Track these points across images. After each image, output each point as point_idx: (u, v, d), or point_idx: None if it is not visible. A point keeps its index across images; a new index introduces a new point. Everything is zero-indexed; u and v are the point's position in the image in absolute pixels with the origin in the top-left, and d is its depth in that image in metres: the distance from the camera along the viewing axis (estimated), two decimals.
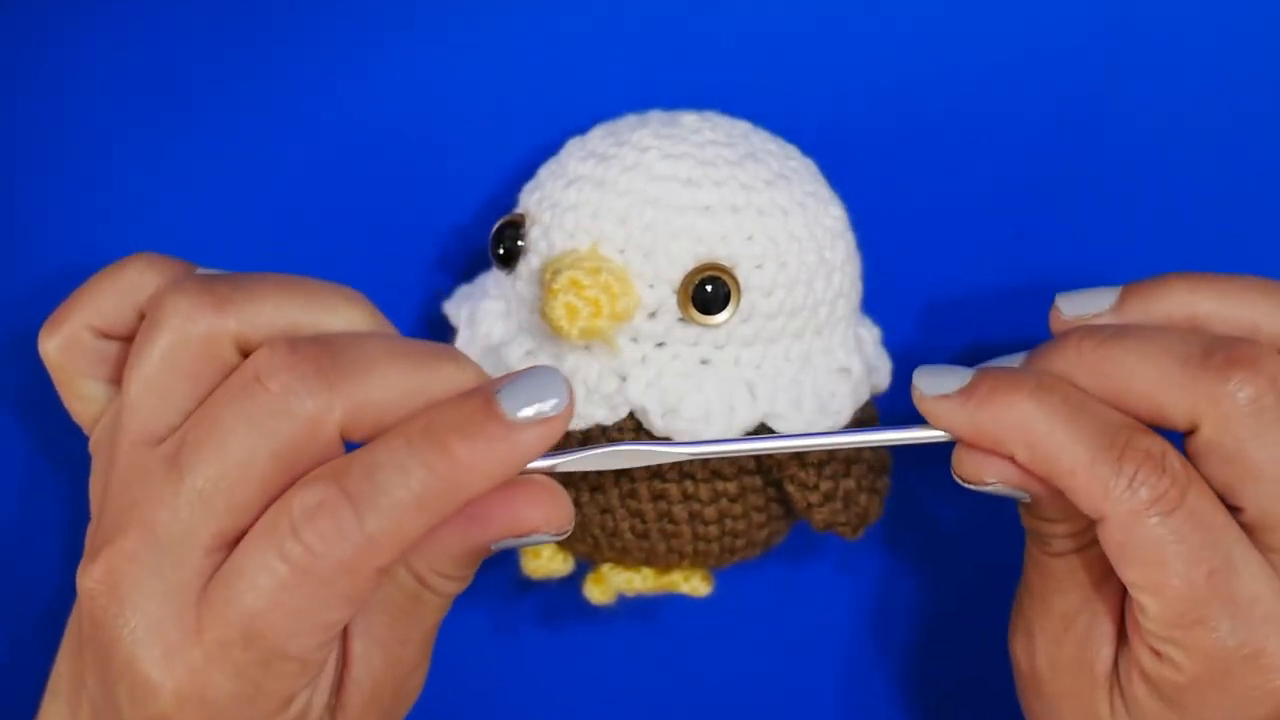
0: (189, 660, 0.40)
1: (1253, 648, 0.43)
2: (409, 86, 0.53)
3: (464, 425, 0.40)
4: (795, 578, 0.58)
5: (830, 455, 0.49)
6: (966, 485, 0.45)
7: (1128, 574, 0.43)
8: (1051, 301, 0.48)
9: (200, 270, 0.45)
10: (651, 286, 0.47)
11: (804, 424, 0.48)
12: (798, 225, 0.48)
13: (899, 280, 0.54)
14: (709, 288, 0.47)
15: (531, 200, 0.49)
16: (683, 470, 0.48)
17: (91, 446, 0.45)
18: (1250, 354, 0.43)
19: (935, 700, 0.59)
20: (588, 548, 0.51)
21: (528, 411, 0.41)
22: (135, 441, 0.42)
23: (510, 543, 0.43)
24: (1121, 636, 0.46)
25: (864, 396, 0.50)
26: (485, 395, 0.41)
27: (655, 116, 0.50)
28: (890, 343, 0.52)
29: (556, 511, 0.43)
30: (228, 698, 0.40)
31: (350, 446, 0.42)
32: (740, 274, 0.47)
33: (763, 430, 0.48)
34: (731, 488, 0.49)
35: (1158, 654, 0.44)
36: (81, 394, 0.46)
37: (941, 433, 0.45)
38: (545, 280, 0.47)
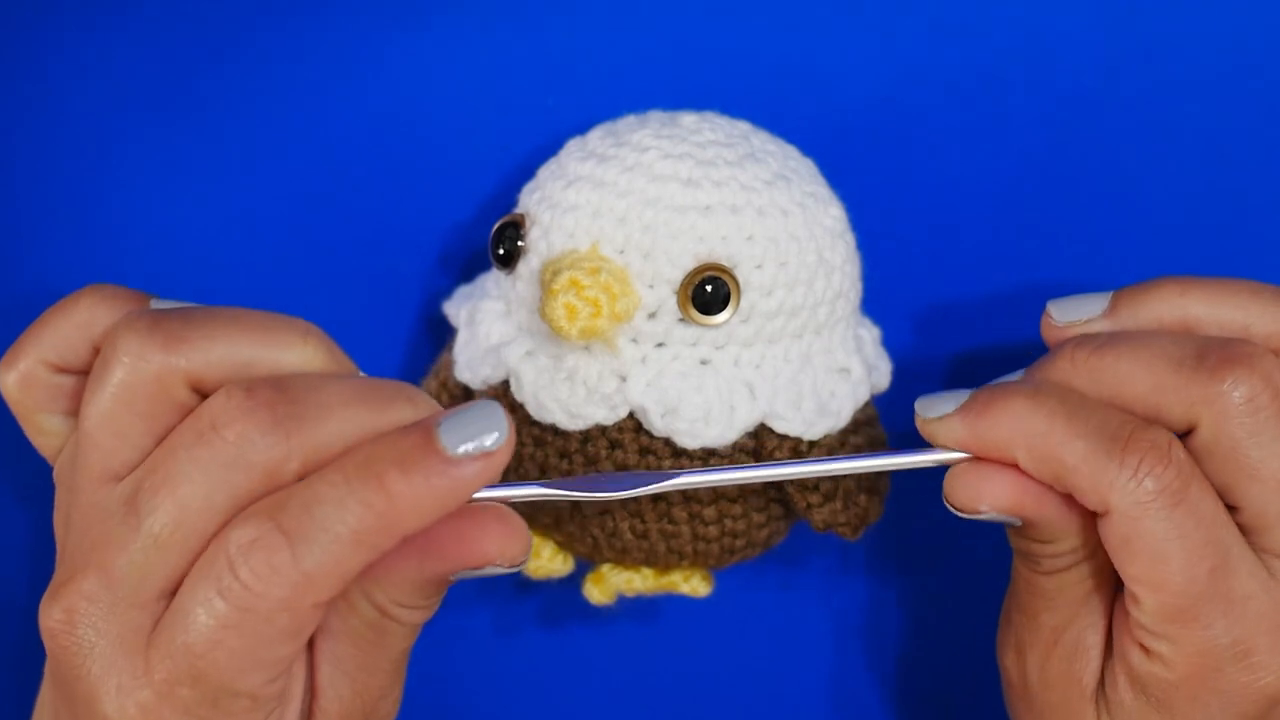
0: (140, 700, 0.40)
1: (1244, 646, 0.43)
2: (409, 86, 0.53)
3: (402, 460, 0.40)
4: (795, 578, 0.58)
5: (830, 456, 0.49)
6: (959, 514, 0.45)
7: (1129, 568, 0.43)
8: (1045, 306, 0.48)
9: (154, 303, 0.45)
10: (651, 287, 0.47)
11: (804, 424, 0.48)
12: (798, 225, 0.48)
13: (899, 280, 0.54)
14: (709, 288, 0.47)
15: (531, 200, 0.49)
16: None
17: (55, 477, 0.45)
18: (1244, 353, 0.43)
19: (936, 699, 0.59)
20: (588, 548, 0.51)
21: (468, 446, 0.40)
22: (93, 479, 0.42)
23: (466, 574, 0.43)
24: (1108, 650, 0.46)
25: (864, 397, 0.50)
26: (425, 429, 0.40)
27: (655, 117, 0.50)
28: (890, 343, 0.52)
29: (510, 543, 0.43)
30: None
31: None
32: (740, 274, 0.47)
33: (762, 430, 0.48)
34: (731, 488, 0.49)
35: (1148, 652, 0.44)
36: (41, 428, 0.46)
37: (948, 453, 0.45)
38: (545, 281, 0.47)
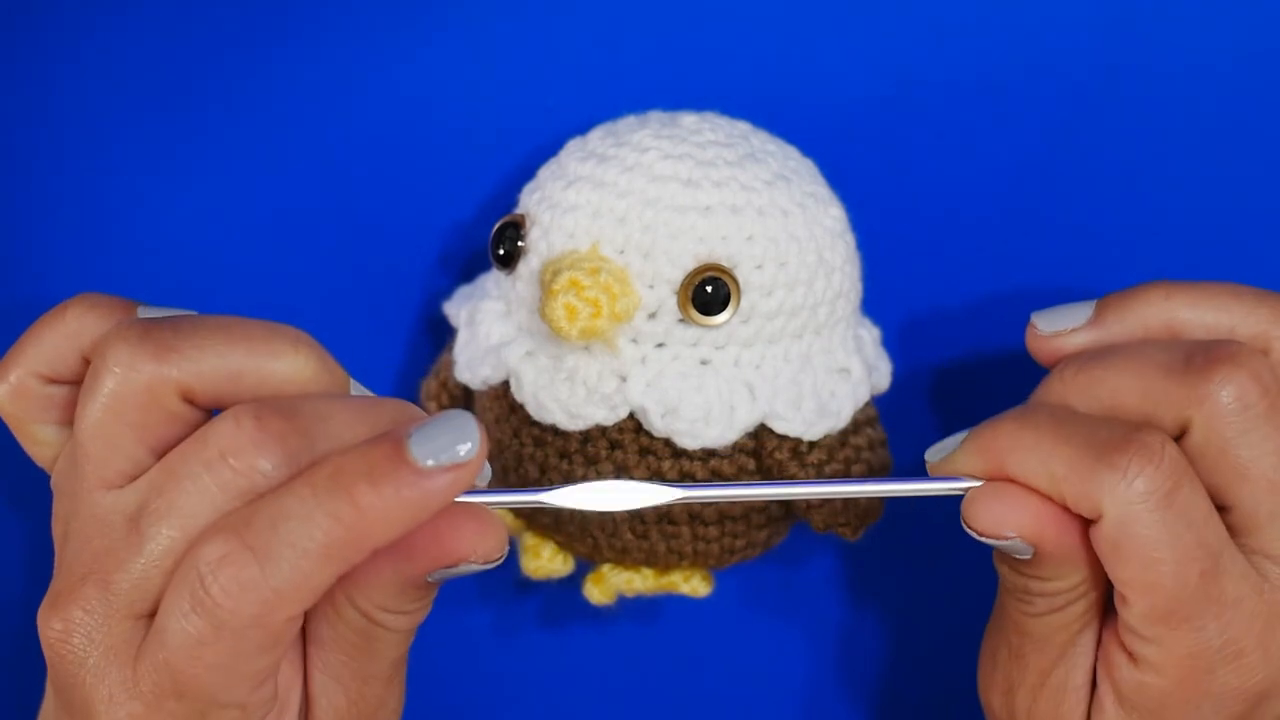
0: (131, 712, 0.41)
1: (1236, 648, 0.43)
2: (409, 86, 0.53)
3: (371, 471, 0.39)
4: (795, 578, 0.58)
5: (830, 456, 0.49)
6: (980, 539, 0.45)
7: (1120, 572, 0.43)
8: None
9: (143, 310, 0.45)
10: (651, 287, 0.47)
11: (804, 424, 0.48)
12: (798, 226, 0.48)
13: (899, 280, 0.54)
14: (709, 288, 0.47)
15: (531, 201, 0.49)
16: (683, 471, 0.48)
17: (53, 485, 0.45)
18: (1231, 352, 0.43)
19: (935, 698, 0.59)
20: (588, 548, 0.51)
21: (439, 457, 0.40)
22: (90, 488, 0.42)
23: (442, 574, 0.42)
24: (1094, 683, 0.46)
25: (864, 397, 0.50)
26: (395, 440, 0.40)
27: (655, 117, 0.50)
28: (890, 343, 0.52)
29: (484, 540, 0.42)
30: None
31: None
32: (740, 274, 0.47)
33: (762, 430, 0.48)
34: None
35: (1137, 661, 0.44)
36: (36, 438, 0.46)
37: (961, 480, 0.45)
38: (545, 281, 0.47)
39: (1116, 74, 0.54)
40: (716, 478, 0.48)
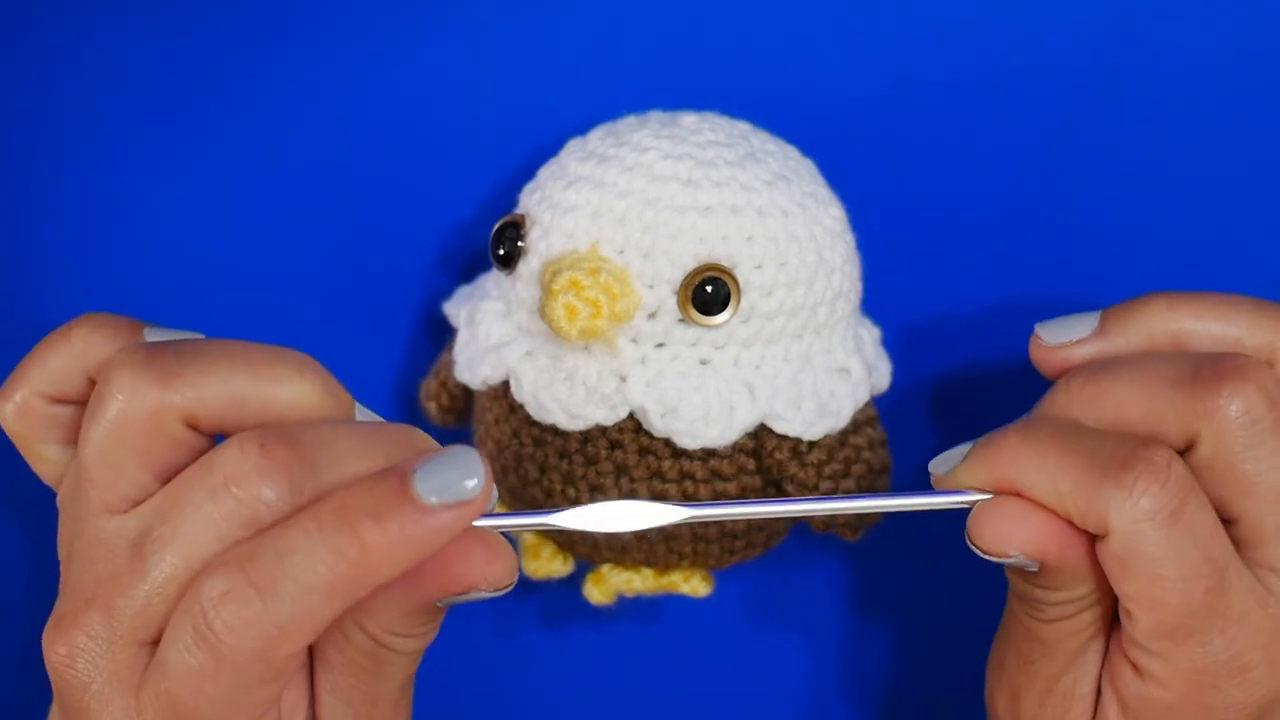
0: None
1: (1241, 662, 0.43)
2: (409, 86, 0.53)
3: (376, 508, 0.39)
4: (795, 578, 0.58)
5: (829, 456, 0.49)
6: (984, 557, 0.45)
7: (1126, 587, 0.43)
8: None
9: (148, 332, 0.45)
10: (651, 287, 0.47)
11: (804, 424, 0.48)
12: (798, 226, 0.48)
13: (899, 280, 0.54)
14: (709, 288, 0.47)
15: (531, 201, 0.49)
16: (683, 471, 0.48)
17: (58, 503, 0.45)
18: (1237, 365, 0.43)
19: (940, 693, 0.59)
20: (588, 548, 0.51)
21: (444, 495, 0.40)
22: (94, 512, 0.42)
23: (450, 600, 0.42)
24: (1100, 693, 0.46)
25: (864, 397, 0.50)
26: (400, 476, 0.40)
27: (655, 117, 0.50)
28: (890, 343, 0.52)
29: (493, 567, 0.42)
30: None
31: None
32: (740, 274, 0.47)
33: (762, 430, 0.48)
34: (731, 488, 0.49)
35: (1141, 673, 0.44)
36: (42, 457, 0.46)
37: (966, 494, 0.45)
38: (545, 281, 0.47)
39: (1116, 74, 0.54)
40: (716, 477, 0.48)
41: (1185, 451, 0.44)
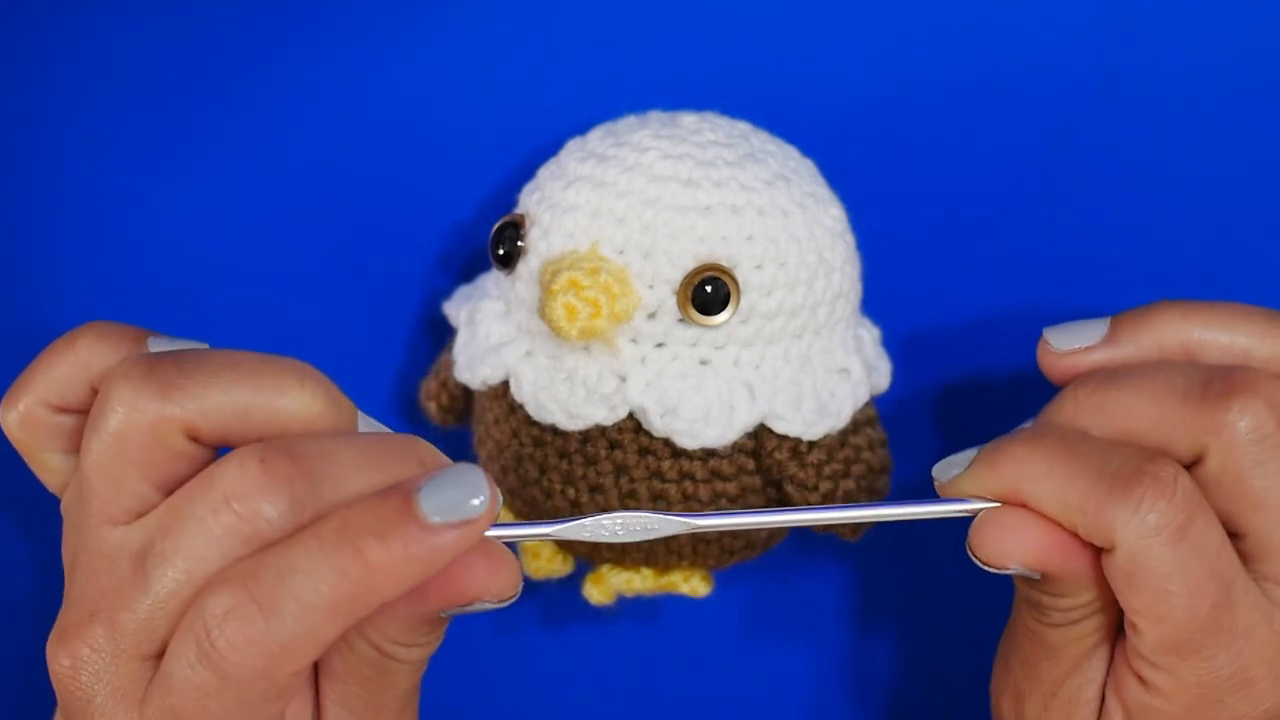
0: None
1: (1246, 676, 0.43)
2: (409, 86, 0.53)
3: (380, 527, 0.39)
4: (795, 578, 0.58)
5: (829, 456, 0.49)
6: (985, 568, 0.45)
7: (1131, 601, 0.43)
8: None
9: (152, 342, 0.45)
10: (651, 287, 0.47)
11: (803, 424, 0.48)
12: (798, 226, 0.48)
13: (899, 281, 0.54)
14: (708, 288, 0.47)
15: (531, 201, 0.49)
16: (682, 471, 0.48)
17: (62, 511, 0.45)
18: (1247, 379, 0.43)
19: (940, 692, 0.59)
20: (587, 548, 0.51)
21: (448, 514, 0.40)
22: (96, 523, 0.42)
23: (454, 612, 0.42)
24: (1104, 699, 0.46)
25: (864, 397, 0.50)
26: (404, 494, 0.40)
27: (655, 117, 0.50)
28: (890, 343, 0.52)
29: (497, 579, 0.42)
30: None
31: None
32: (740, 274, 0.47)
33: (762, 430, 0.48)
34: (731, 488, 0.49)
35: (1146, 685, 0.44)
36: (45, 465, 0.46)
37: (970, 503, 0.45)
38: (544, 281, 0.47)
39: (1116, 74, 0.54)
40: (716, 477, 0.48)
41: (1193, 464, 0.44)
